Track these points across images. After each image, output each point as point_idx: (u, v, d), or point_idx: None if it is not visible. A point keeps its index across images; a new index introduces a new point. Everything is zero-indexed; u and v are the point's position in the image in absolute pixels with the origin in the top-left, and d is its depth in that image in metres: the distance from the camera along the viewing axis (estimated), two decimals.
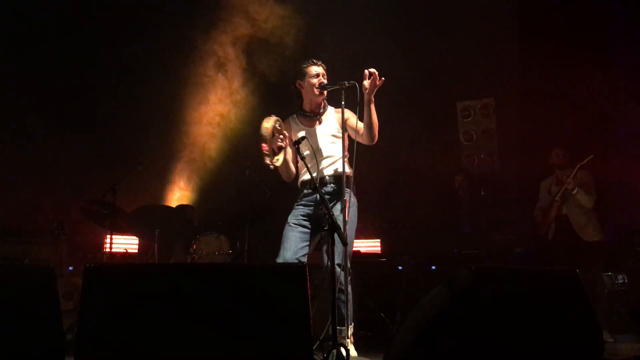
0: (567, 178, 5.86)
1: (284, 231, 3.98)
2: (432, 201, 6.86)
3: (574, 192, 5.76)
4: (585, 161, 5.83)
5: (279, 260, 3.90)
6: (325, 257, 3.80)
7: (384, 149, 7.97)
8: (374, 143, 4.01)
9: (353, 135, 3.92)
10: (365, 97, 3.81)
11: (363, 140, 3.97)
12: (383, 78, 3.79)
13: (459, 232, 6.46)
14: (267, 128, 3.77)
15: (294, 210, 4.06)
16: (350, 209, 3.92)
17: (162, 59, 7.56)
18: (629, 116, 6.73)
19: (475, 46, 8.07)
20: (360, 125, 3.93)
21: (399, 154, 8.40)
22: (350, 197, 3.92)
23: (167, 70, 7.59)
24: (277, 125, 3.84)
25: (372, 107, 3.84)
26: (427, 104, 8.21)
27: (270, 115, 3.86)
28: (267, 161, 3.76)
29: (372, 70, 3.78)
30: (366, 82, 3.79)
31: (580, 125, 6.77)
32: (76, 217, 6.54)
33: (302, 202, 4.05)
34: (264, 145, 3.74)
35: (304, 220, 3.98)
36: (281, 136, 3.84)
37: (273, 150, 3.80)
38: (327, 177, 4.00)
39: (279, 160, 3.83)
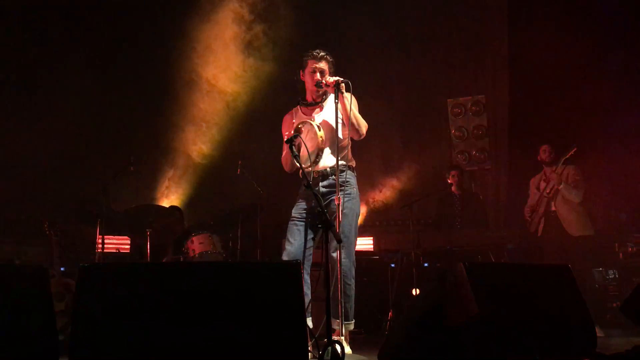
0: (553, 172, 5.89)
1: (289, 226, 3.99)
2: (425, 198, 6.87)
3: (560, 186, 5.80)
4: (568, 154, 5.85)
5: (285, 255, 3.90)
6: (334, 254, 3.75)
7: (376, 146, 8.04)
8: (361, 137, 3.98)
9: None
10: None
11: (351, 134, 3.94)
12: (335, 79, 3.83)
13: (451, 228, 6.48)
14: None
15: (297, 204, 4.06)
16: (352, 201, 3.94)
17: (151, 55, 7.51)
18: (619, 111, 6.77)
19: (465, 43, 8.10)
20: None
21: (391, 152, 8.41)
22: (352, 189, 3.97)
23: (157, 67, 7.55)
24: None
25: (343, 103, 3.84)
26: (418, 101, 8.23)
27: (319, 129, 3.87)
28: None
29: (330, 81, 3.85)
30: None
31: (571, 122, 6.81)
32: (67, 217, 6.49)
33: (304, 195, 4.04)
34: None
35: (307, 213, 3.98)
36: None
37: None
38: (328, 169, 3.98)
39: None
